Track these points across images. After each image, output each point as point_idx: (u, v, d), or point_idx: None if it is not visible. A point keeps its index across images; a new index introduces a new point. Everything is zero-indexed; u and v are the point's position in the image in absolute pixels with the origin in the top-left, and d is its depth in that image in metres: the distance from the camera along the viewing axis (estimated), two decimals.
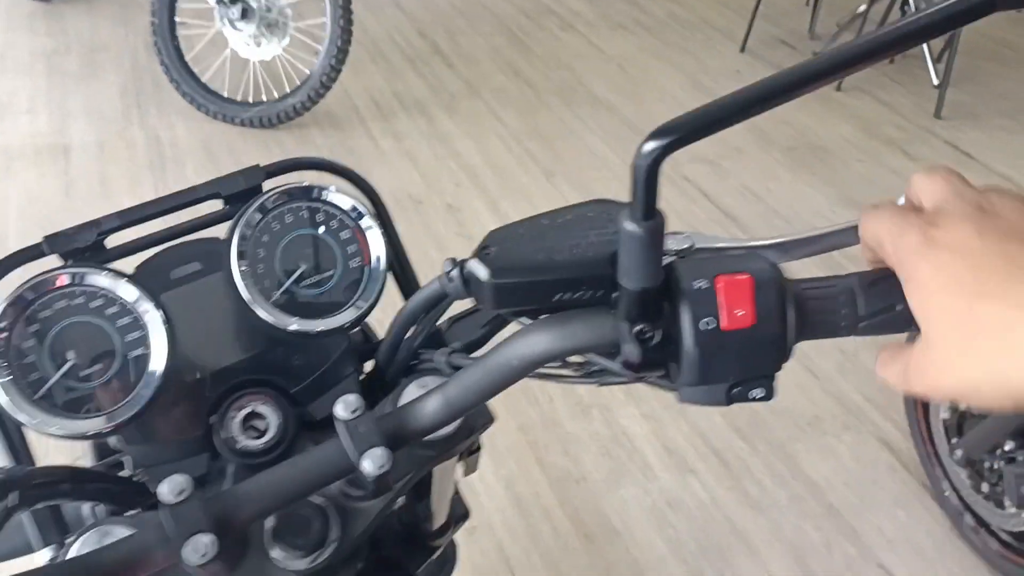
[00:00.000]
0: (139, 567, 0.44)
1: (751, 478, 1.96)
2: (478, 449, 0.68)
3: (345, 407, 0.48)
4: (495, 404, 0.61)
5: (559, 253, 0.44)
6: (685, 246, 0.49)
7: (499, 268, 0.44)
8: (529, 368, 0.46)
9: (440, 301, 0.54)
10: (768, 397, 0.44)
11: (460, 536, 2.06)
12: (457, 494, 0.83)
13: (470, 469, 0.69)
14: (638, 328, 0.42)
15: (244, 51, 3.18)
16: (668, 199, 2.90)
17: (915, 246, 0.41)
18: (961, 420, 1.70)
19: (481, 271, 0.44)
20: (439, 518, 0.76)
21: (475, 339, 0.63)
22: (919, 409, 1.83)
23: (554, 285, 0.43)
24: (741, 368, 0.42)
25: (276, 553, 0.53)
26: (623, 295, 0.42)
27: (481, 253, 0.45)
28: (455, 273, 0.49)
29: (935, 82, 3.37)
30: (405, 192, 2.93)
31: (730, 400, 0.43)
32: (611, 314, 0.43)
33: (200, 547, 0.43)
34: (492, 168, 3.07)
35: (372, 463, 0.46)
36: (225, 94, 3.19)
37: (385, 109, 3.42)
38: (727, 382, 0.42)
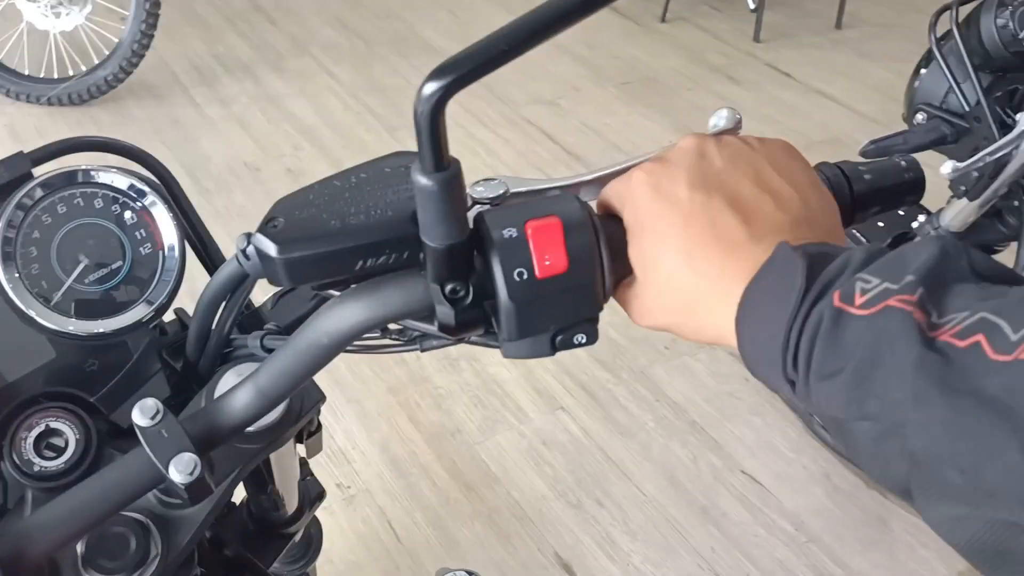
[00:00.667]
0: None
1: (618, 406, 2.02)
2: (319, 429, 0.64)
3: (142, 413, 0.43)
4: (326, 379, 0.57)
5: (354, 217, 0.41)
6: (499, 192, 0.47)
7: (287, 241, 0.40)
8: (341, 344, 0.43)
9: (242, 281, 0.50)
10: (592, 341, 0.43)
11: (339, 507, 2.01)
12: (310, 475, 0.79)
13: (313, 450, 0.66)
14: (449, 288, 0.40)
15: (42, 23, 2.90)
16: (511, 141, 2.89)
17: (640, 192, 0.43)
18: None
19: (268, 246, 0.40)
20: (290, 504, 0.73)
21: (299, 315, 0.59)
22: None
23: (353, 252, 0.40)
24: (561, 316, 0.41)
25: None
26: (429, 255, 0.39)
27: (266, 226, 0.41)
28: (251, 250, 0.45)
29: (751, 7, 3.49)
30: (240, 160, 2.79)
31: (555, 349, 0.42)
32: (422, 276, 0.41)
33: None
34: (331, 127, 2.96)
35: (180, 470, 0.42)
36: (26, 71, 2.91)
37: (207, 74, 3.22)
38: (549, 331, 0.41)
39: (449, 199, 0.37)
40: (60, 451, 0.52)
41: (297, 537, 0.83)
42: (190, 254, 0.58)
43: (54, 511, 0.43)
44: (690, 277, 0.41)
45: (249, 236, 0.44)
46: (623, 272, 0.43)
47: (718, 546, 1.72)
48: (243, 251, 0.45)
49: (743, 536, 1.74)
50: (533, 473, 1.88)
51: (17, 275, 0.51)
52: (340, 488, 1.86)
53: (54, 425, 0.52)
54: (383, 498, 1.84)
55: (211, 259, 0.60)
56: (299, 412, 0.55)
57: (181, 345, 0.58)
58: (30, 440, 0.51)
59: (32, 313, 0.51)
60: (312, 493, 0.77)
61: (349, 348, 0.50)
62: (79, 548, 0.49)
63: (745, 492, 1.82)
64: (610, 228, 0.43)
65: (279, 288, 0.58)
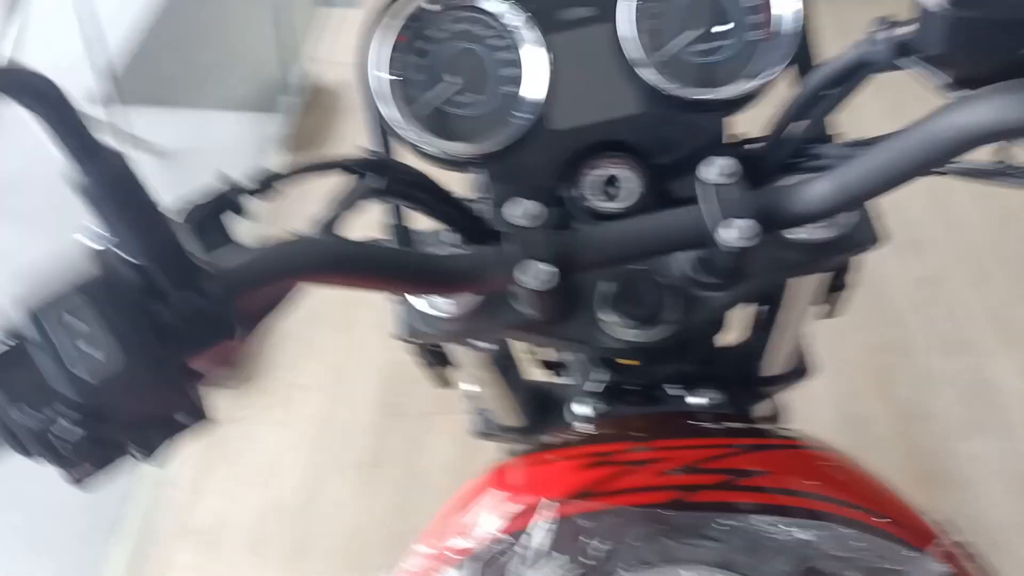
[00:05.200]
0: (474, 280, 0.44)
1: None
2: (844, 287, 0.58)
3: (715, 169, 0.42)
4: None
5: None
6: None
7: None
8: (962, 145, 0.35)
9: (852, 75, 0.44)
10: None
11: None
12: (802, 348, 0.74)
13: (832, 311, 0.60)
14: None
15: None
16: None
17: None
18: None
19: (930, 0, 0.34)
20: (774, 363, 0.69)
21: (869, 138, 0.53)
22: None
23: None
24: None
25: (606, 316, 0.51)
26: None
27: None
28: (883, 34, 0.39)
29: None
30: None
31: None
32: None
33: (539, 273, 0.42)
34: None
35: (736, 233, 0.40)
36: None
37: None
38: None
39: None
40: (615, 197, 0.54)
41: (765, 408, 0.79)
42: None
43: (605, 232, 0.45)
44: None
45: (884, 19, 0.39)
46: None
47: None
48: (874, 34, 0.40)
49: None
50: (1009, 495, 1.59)
51: (641, 26, 0.52)
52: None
53: (620, 172, 0.55)
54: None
55: (805, 53, 0.56)
56: (850, 243, 0.49)
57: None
58: (593, 179, 0.55)
59: (639, 66, 0.53)
60: (798, 367, 0.72)
61: (948, 167, 0.43)
62: (612, 287, 0.51)
63: None
64: None
65: None
